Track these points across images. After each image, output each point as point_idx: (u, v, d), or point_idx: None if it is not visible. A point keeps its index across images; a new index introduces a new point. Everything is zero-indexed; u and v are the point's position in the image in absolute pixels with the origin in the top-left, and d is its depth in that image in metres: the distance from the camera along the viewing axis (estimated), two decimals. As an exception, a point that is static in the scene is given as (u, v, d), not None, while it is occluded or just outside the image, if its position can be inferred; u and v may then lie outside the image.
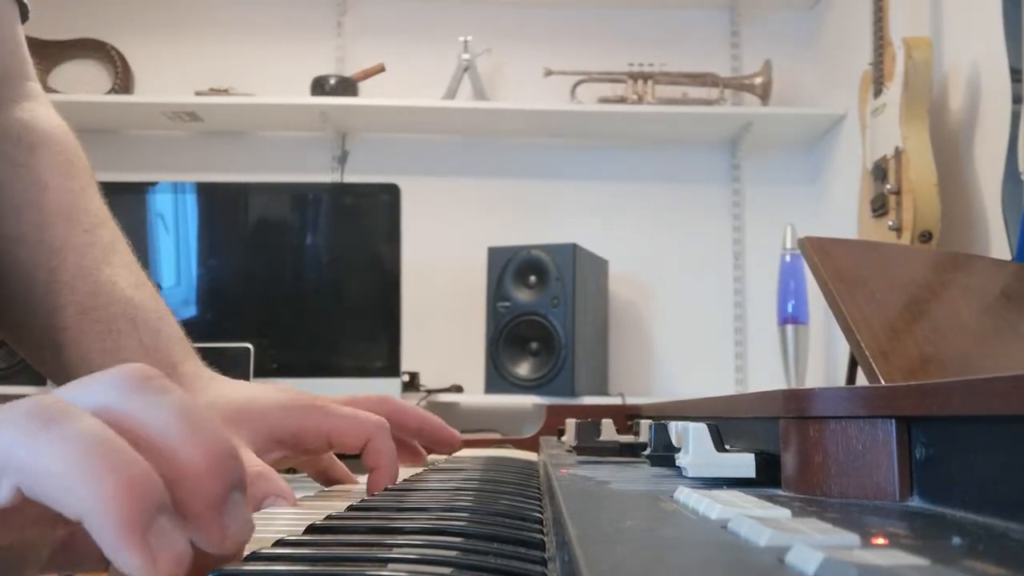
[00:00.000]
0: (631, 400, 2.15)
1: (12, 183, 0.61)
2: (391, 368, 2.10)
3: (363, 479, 0.66)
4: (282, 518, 0.44)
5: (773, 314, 2.37)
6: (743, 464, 0.43)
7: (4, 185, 0.61)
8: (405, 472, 0.65)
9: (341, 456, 0.65)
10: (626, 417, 1.11)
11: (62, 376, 0.62)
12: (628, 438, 0.67)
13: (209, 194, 2.20)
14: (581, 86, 2.58)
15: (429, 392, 2.35)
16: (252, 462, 0.52)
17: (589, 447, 0.66)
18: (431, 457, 0.74)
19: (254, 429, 0.57)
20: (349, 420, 0.59)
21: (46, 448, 0.24)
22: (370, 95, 2.57)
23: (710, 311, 2.65)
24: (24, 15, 0.67)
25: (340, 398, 0.63)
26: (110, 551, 0.23)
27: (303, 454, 0.61)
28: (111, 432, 0.25)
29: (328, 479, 0.65)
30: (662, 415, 0.84)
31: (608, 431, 0.67)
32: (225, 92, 2.50)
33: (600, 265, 2.49)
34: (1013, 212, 1.48)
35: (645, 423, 0.63)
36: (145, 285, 0.64)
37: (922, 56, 1.81)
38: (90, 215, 0.64)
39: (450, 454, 0.75)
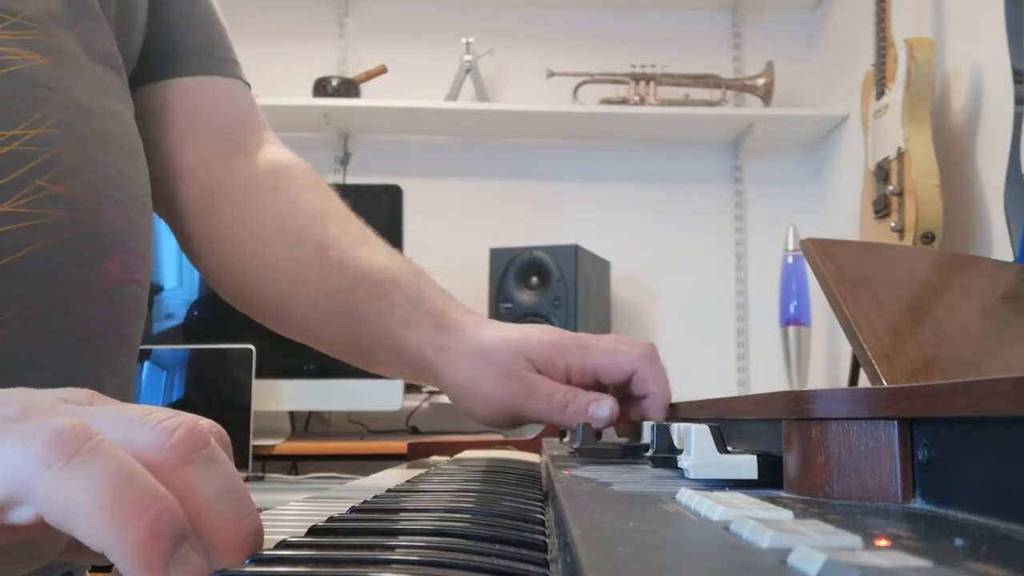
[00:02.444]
0: (633, 401, 2.15)
1: (271, 203, 0.75)
2: (393, 369, 2.09)
3: (374, 476, 0.66)
4: (286, 518, 0.44)
5: (775, 315, 2.37)
6: (745, 465, 0.43)
7: (266, 206, 0.74)
8: (411, 473, 0.65)
9: (366, 457, 0.69)
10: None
11: (354, 350, 0.73)
12: (622, 440, 0.68)
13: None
14: (583, 87, 2.58)
15: (431, 393, 2.35)
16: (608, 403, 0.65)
17: (591, 449, 0.66)
18: (432, 458, 0.74)
19: (539, 361, 0.64)
20: (610, 355, 0.65)
21: (72, 483, 0.24)
22: (372, 96, 2.57)
23: (712, 312, 2.65)
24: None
25: (601, 342, 0.68)
26: None
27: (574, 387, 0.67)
28: (136, 465, 0.25)
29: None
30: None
31: (608, 432, 0.68)
32: (227, 93, 2.50)
33: (602, 266, 2.49)
34: (1016, 213, 1.48)
35: (647, 424, 0.63)
36: (398, 256, 0.74)
37: (924, 57, 1.81)
38: (338, 214, 0.77)
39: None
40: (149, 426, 0.28)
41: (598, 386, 0.67)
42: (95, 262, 0.59)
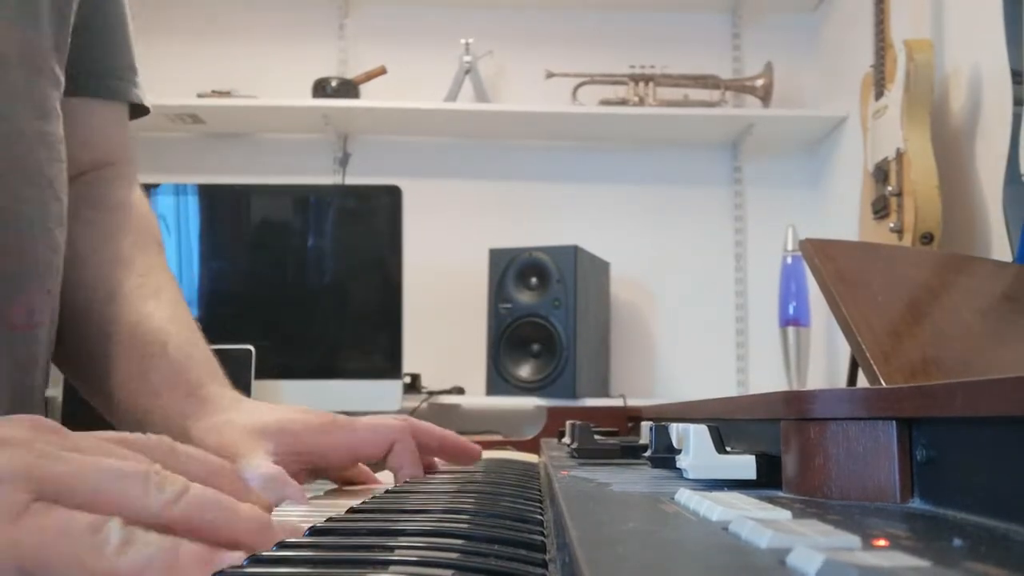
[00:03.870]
0: (632, 402, 2.15)
1: (81, 237, 0.69)
2: (392, 370, 2.10)
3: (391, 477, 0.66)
4: (287, 519, 0.44)
5: (774, 316, 2.37)
6: (744, 466, 0.43)
7: (75, 239, 0.68)
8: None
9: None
10: (627, 419, 1.11)
11: (109, 406, 0.67)
12: (615, 441, 0.68)
13: (211, 196, 2.20)
14: (582, 88, 2.58)
15: (430, 394, 2.35)
16: (267, 466, 0.56)
17: (590, 449, 0.66)
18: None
19: (279, 447, 0.60)
20: (371, 431, 0.62)
21: (171, 506, 0.32)
22: (372, 97, 2.57)
23: (711, 313, 2.65)
24: (142, 111, 0.79)
25: (362, 420, 0.65)
26: None
27: (330, 470, 0.64)
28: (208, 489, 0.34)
29: (348, 482, 0.67)
30: (663, 417, 0.84)
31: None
32: (227, 94, 2.50)
33: (601, 267, 2.49)
34: (1014, 214, 1.48)
35: (646, 425, 0.63)
36: (182, 320, 0.69)
37: (923, 58, 1.81)
38: (145, 265, 0.71)
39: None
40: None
41: (358, 462, 0.65)
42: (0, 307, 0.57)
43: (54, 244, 0.64)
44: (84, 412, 0.69)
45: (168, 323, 0.68)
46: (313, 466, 0.62)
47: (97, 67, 0.73)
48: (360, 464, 0.66)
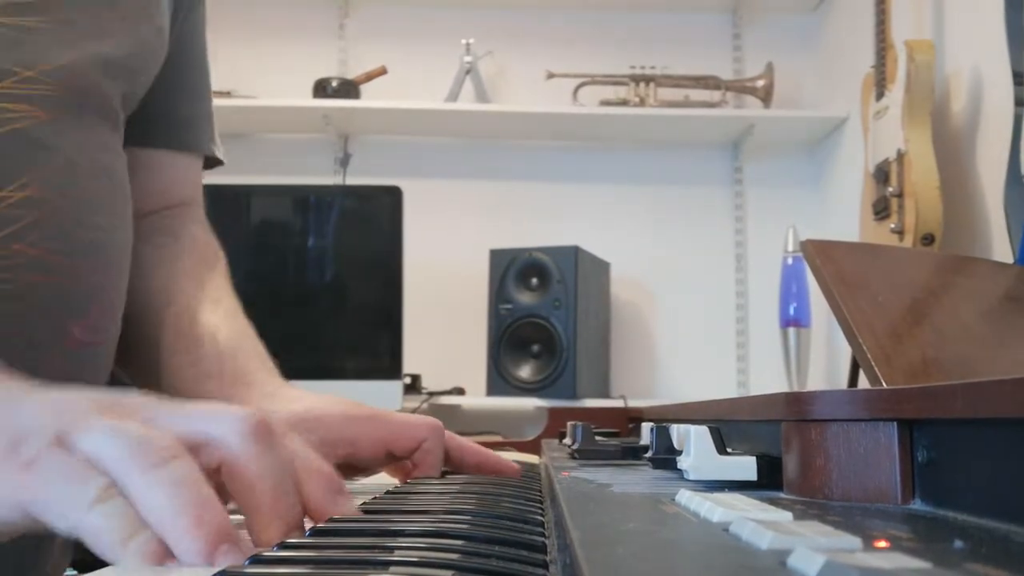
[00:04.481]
0: (633, 403, 2.15)
1: (149, 257, 0.74)
2: (393, 370, 2.10)
3: (374, 477, 0.66)
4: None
5: (775, 317, 2.37)
6: (745, 467, 0.43)
7: (144, 259, 0.73)
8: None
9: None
10: (628, 420, 1.11)
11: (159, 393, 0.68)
12: (616, 442, 0.68)
13: (211, 196, 2.18)
14: (583, 89, 2.58)
15: (431, 395, 2.35)
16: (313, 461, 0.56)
17: (590, 450, 0.66)
18: None
19: (309, 436, 0.60)
20: (403, 425, 0.63)
21: (156, 488, 0.33)
22: (372, 97, 2.57)
23: (712, 314, 2.65)
24: (216, 162, 0.85)
25: (395, 415, 0.66)
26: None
27: (363, 464, 0.65)
28: (203, 483, 0.34)
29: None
30: (664, 418, 0.84)
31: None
32: (227, 95, 2.50)
33: (602, 267, 2.49)
34: (1015, 215, 1.48)
35: (647, 426, 0.63)
36: (237, 321, 0.73)
37: (924, 59, 1.81)
38: (208, 280, 0.76)
39: None
40: (223, 420, 0.38)
41: (390, 457, 0.65)
42: (63, 326, 0.60)
43: (121, 271, 0.66)
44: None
45: (221, 320, 0.71)
46: (346, 459, 0.62)
47: (175, 116, 0.76)
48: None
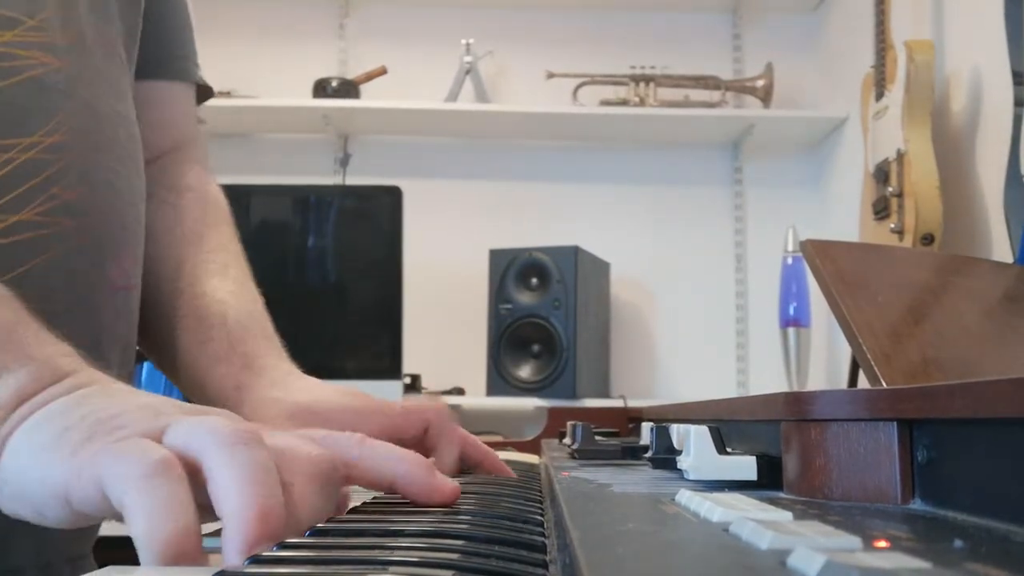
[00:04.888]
0: (633, 402, 2.15)
1: (158, 217, 0.74)
2: (393, 370, 2.10)
3: None
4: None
5: (775, 317, 2.37)
6: (745, 467, 0.43)
7: (153, 219, 0.72)
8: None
9: None
10: (628, 420, 1.11)
11: (176, 376, 0.71)
12: (616, 442, 0.68)
13: (211, 196, 2.20)
14: (583, 88, 2.58)
15: (431, 395, 2.35)
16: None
17: (590, 450, 0.66)
18: (431, 459, 0.74)
19: (316, 427, 0.60)
20: (405, 414, 0.63)
21: (232, 465, 0.34)
22: (372, 97, 2.57)
23: (712, 314, 2.65)
24: (208, 94, 0.83)
25: (396, 404, 0.66)
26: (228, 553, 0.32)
27: None
28: (271, 464, 0.35)
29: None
30: (663, 418, 0.84)
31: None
32: (227, 95, 2.50)
33: (602, 267, 2.49)
34: (1015, 215, 1.48)
35: (646, 426, 0.63)
36: (245, 295, 0.73)
37: (924, 59, 1.81)
38: (214, 243, 0.75)
39: None
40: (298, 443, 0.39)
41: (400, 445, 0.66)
42: (101, 270, 0.61)
43: (138, 216, 0.67)
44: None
45: (229, 296, 0.71)
46: None
47: (164, 51, 0.76)
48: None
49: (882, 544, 0.24)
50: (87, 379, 0.42)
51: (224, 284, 0.72)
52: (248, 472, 0.34)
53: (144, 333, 0.72)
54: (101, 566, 0.33)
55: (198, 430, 0.36)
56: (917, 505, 0.35)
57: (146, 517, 0.32)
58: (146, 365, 1.91)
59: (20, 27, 0.57)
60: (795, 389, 2.15)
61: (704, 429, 0.43)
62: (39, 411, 0.39)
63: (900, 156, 1.82)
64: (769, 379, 2.52)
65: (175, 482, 0.33)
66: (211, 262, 0.73)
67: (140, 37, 0.71)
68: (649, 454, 0.52)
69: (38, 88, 0.57)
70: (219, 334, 0.68)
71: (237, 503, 0.33)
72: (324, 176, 2.65)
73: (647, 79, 2.56)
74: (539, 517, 0.40)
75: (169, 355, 0.71)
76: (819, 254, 0.75)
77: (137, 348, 0.70)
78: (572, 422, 0.74)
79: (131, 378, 0.68)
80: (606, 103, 2.56)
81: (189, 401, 0.73)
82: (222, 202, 0.81)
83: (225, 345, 0.68)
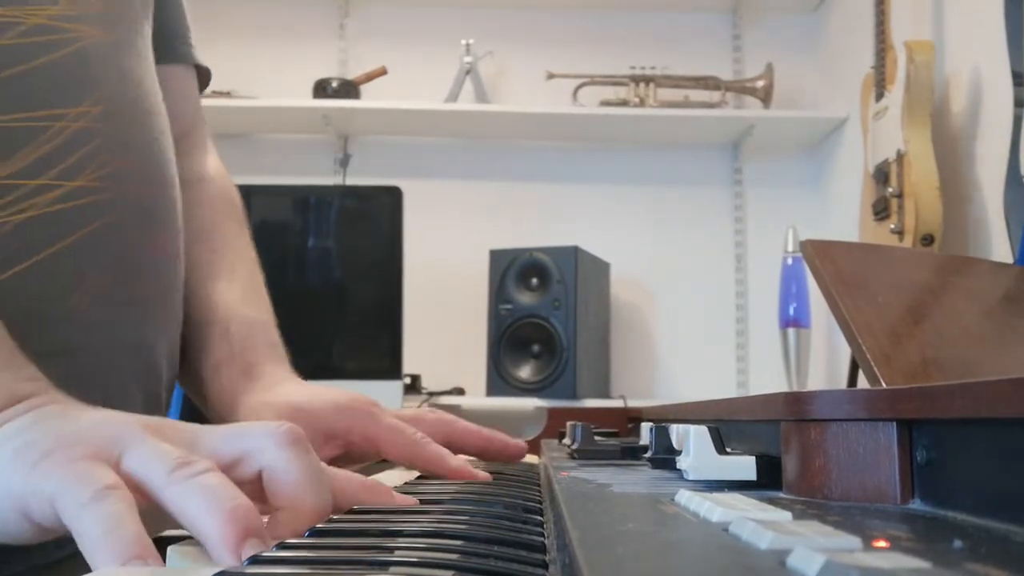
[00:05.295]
0: (633, 403, 2.15)
1: None
2: (393, 370, 2.10)
3: (374, 477, 0.66)
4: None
5: (775, 317, 2.37)
6: (744, 467, 0.43)
7: None
8: (411, 474, 0.65)
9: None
10: (627, 420, 1.11)
11: (182, 377, 0.72)
12: (615, 442, 0.67)
13: (211, 196, 2.20)
14: (583, 89, 2.58)
15: (431, 395, 2.35)
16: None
17: (590, 450, 0.66)
18: None
19: (306, 426, 0.60)
20: (394, 432, 0.61)
21: (189, 495, 0.35)
22: (372, 98, 2.57)
23: (712, 314, 2.65)
24: (207, 78, 0.84)
25: (406, 413, 0.66)
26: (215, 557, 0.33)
27: (355, 456, 0.64)
28: (236, 489, 0.36)
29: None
30: (663, 418, 0.84)
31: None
32: (227, 95, 2.50)
33: (602, 268, 2.49)
34: (1015, 215, 1.48)
35: (646, 426, 0.63)
36: (250, 298, 0.73)
37: (924, 59, 1.81)
38: (221, 240, 0.76)
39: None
40: (257, 433, 0.40)
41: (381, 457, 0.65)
42: (149, 236, 0.62)
43: (174, 185, 0.68)
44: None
45: (233, 300, 0.71)
46: (349, 451, 0.63)
47: (163, 31, 0.76)
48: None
49: (882, 544, 0.24)
50: (47, 400, 0.43)
51: (231, 286, 0.72)
52: (212, 501, 0.35)
53: None
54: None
55: (149, 464, 0.37)
56: (916, 505, 0.35)
57: (91, 541, 0.34)
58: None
59: (63, 1, 0.59)
60: (795, 389, 2.15)
61: (704, 429, 0.43)
62: None
63: (900, 157, 1.82)
64: (769, 379, 2.53)
65: (121, 503, 0.35)
66: (216, 262, 0.74)
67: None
68: (649, 454, 0.52)
69: (87, 59, 0.59)
70: (221, 342, 0.69)
71: (206, 524, 0.34)
72: (324, 176, 2.65)
73: (647, 79, 2.56)
74: (539, 517, 0.40)
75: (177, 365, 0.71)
76: (819, 254, 0.75)
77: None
78: (572, 422, 0.73)
79: (178, 340, 0.68)
80: (606, 103, 2.56)
81: (189, 401, 0.73)
82: (232, 192, 0.82)
83: (227, 353, 0.68)
